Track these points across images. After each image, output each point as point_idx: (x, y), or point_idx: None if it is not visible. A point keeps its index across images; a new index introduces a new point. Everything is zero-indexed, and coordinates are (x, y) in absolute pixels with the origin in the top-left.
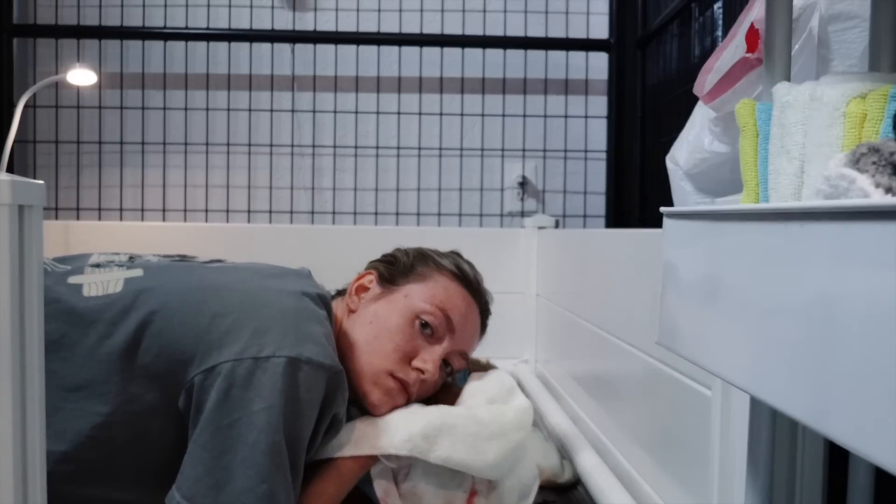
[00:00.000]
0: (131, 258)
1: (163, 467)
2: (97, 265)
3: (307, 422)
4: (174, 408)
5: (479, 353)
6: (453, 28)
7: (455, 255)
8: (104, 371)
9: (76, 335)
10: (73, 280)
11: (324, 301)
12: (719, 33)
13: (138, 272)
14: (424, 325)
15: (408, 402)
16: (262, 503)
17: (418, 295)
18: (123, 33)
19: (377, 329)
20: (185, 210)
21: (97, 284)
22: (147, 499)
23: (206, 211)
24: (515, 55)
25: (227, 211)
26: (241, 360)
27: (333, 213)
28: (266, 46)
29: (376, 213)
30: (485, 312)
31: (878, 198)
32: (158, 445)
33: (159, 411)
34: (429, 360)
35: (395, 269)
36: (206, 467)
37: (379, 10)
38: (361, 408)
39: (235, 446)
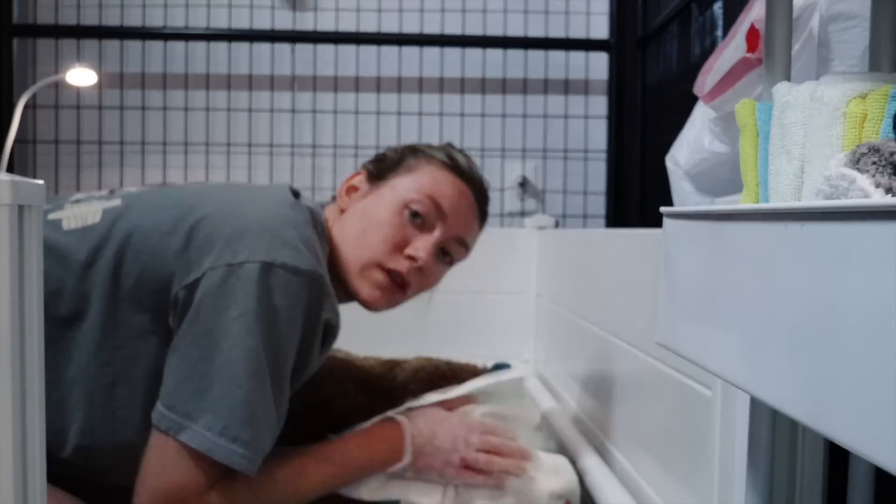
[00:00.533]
0: (111, 191)
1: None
2: (77, 201)
3: (289, 329)
4: (166, 328)
5: (481, 353)
6: (453, 28)
7: (448, 147)
8: (91, 300)
9: (60, 269)
10: (52, 216)
11: (305, 208)
12: (719, 33)
13: (116, 202)
14: (415, 214)
15: (405, 297)
16: (240, 409)
17: (405, 185)
18: (123, 33)
19: (365, 223)
20: None
21: (76, 217)
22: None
23: None
24: (515, 55)
25: None
26: (215, 268)
27: None
28: (266, 46)
29: None
30: (481, 199)
31: (878, 198)
32: (156, 367)
33: (152, 333)
34: (420, 247)
35: (383, 165)
36: (185, 375)
37: (379, 10)
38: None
39: (212, 354)
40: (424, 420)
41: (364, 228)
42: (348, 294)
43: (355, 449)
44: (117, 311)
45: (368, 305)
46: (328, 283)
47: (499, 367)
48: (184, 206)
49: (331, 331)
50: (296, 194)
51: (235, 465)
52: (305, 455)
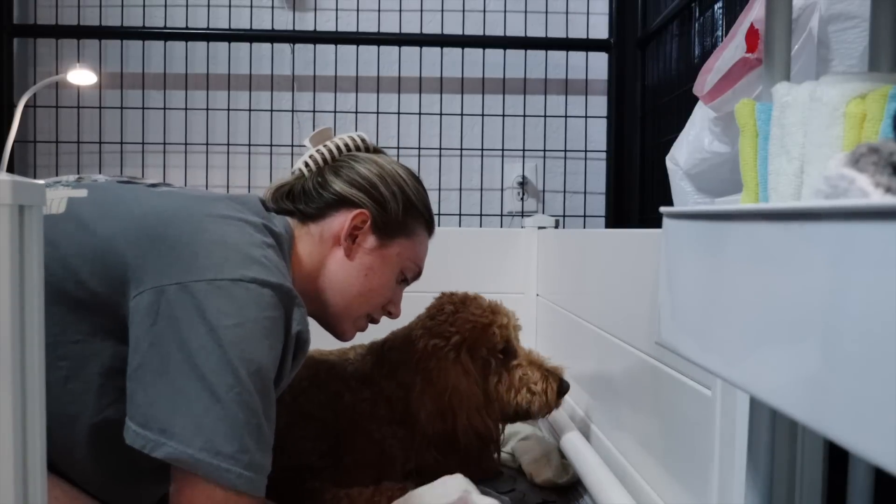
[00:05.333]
0: (79, 179)
1: (119, 392)
2: (45, 186)
3: (267, 343)
4: (123, 329)
5: None
6: (453, 28)
7: (417, 185)
8: (48, 292)
9: None
10: None
11: (269, 229)
12: (719, 33)
13: (83, 192)
14: (404, 279)
15: None
16: (221, 423)
17: (408, 254)
18: (123, 33)
19: (371, 282)
20: None
21: None
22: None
23: None
24: (515, 55)
25: None
26: (184, 285)
27: None
28: (266, 46)
29: None
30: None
31: (878, 198)
32: (110, 366)
33: (109, 333)
34: (398, 304)
35: (388, 219)
36: (159, 391)
37: (379, 10)
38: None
39: (187, 369)
40: None
41: (371, 288)
42: (326, 322)
43: None
44: (76, 306)
45: (343, 338)
46: (297, 294)
47: None
48: (152, 212)
49: (301, 345)
50: (265, 206)
51: (223, 481)
52: None
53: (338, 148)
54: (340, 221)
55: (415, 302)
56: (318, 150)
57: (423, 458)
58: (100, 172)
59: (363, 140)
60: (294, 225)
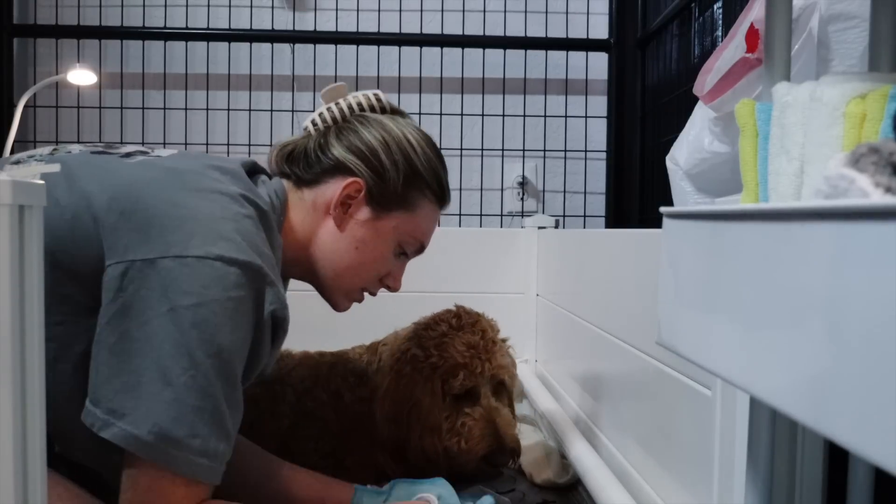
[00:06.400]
0: (53, 151)
1: None
2: (17, 162)
3: (230, 324)
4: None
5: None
6: (453, 28)
7: (428, 154)
8: None
9: None
10: None
11: (249, 199)
12: (719, 33)
13: (55, 167)
14: (402, 252)
15: None
16: (171, 407)
17: (405, 227)
18: (123, 33)
19: (363, 256)
20: None
21: None
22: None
23: None
24: (515, 55)
25: None
26: (150, 261)
27: None
28: (266, 46)
29: None
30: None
31: (878, 198)
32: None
33: (92, 310)
34: (398, 277)
35: (385, 189)
36: (113, 370)
37: (379, 10)
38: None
39: (142, 349)
40: None
41: (362, 262)
42: (319, 292)
43: None
44: (56, 286)
45: (336, 309)
46: (269, 273)
47: None
48: (125, 184)
49: (279, 323)
50: (255, 170)
51: (172, 467)
52: None
53: (350, 107)
54: (333, 189)
55: (414, 303)
56: (328, 109)
57: (376, 459)
58: None
59: (378, 99)
60: (289, 188)
